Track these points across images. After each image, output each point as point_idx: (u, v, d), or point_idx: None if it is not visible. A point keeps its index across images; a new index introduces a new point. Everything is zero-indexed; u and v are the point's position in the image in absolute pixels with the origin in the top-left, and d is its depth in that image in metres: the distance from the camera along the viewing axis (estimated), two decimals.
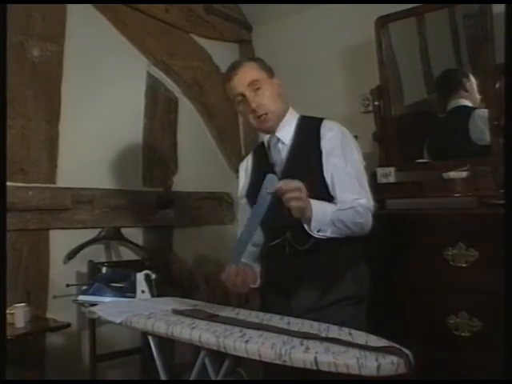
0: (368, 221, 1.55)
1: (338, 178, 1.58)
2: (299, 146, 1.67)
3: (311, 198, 1.46)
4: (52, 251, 2.30)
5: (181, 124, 2.91)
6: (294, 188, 1.37)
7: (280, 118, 1.70)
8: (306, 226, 1.47)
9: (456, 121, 2.23)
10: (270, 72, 1.72)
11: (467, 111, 2.19)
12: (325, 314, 1.49)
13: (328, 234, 1.49)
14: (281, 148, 1.69)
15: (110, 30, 2.57)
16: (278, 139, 1.69)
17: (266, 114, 1.66)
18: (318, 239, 1.51)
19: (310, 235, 1.51)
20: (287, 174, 1.61)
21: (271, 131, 1.72)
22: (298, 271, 1.60)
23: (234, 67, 1.69)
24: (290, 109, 1.75)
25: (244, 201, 1.80)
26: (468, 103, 2.21)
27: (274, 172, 1.66)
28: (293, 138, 1.68)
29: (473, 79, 2.19)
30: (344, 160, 1.59)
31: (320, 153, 1.60)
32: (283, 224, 1.61)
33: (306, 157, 1.63)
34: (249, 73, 1.67)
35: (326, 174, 1.59)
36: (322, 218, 1.47)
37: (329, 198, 1.56)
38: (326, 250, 1.54)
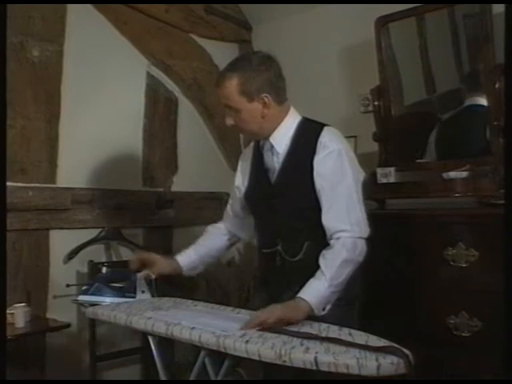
0: (357, 252, 1.47)
1: (325, 203, 1.51)
2: (293, 157, 1.58)
3: (302, 208, 1.52)
4: (52, 251, 2.30)
5: (181, 124, 2.90)
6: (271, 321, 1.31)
7: (265, 132, 1.60)
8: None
9: (469, 120, 2.20)
10: (253, 93, 1.53)
11: (481, 111, 2.13)
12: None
13: (333, 300, 1.45)
14: (273, 154, 1.61)
15: (110, 30, 2.56)
16: (272, 145, 1.61)
17: (243, 132, 1.62)
18: (309, 250, 1.53)
19: (302, 246, 1.53)
20: (281, 182, 1.60)
21: (261, 138, 1.64)
22: (287, 278, 1.57)
23: (218, 80, 1.57)
24: (291, 111, 1.63)
25: (238, 194, 1.77)
26: (485, 103, 2.12)
27: (267, 178, 1.64)
28: (288, 146, 1.59)
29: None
30: (334, 184, 1.51)
31: (312, 168, 1.53)
32: (275, 235, 1.60)
33: (299, 168, 1.56)
34: (226, 95, 1.54)
35: (316, 189, 1.53)
36: (320, 303, 1.41)
37: (319, 208, 1.52)
38: (317, 260, 1.51)
